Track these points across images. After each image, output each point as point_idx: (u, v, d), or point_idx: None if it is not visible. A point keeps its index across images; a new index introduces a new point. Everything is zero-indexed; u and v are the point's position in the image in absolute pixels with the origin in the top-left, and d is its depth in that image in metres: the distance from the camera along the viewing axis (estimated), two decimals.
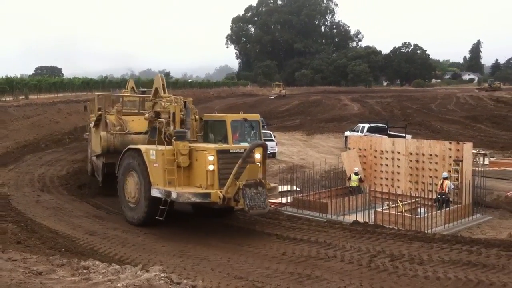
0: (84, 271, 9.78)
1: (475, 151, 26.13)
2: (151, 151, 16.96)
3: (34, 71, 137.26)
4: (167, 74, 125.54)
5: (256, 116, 18.69)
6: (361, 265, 13.21)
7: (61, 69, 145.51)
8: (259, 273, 12.57)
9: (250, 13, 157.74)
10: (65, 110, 46.19)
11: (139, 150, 17.57)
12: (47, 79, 70.63)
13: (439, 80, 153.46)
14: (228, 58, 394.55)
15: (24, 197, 21.67)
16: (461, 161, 20.60)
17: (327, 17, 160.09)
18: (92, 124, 23.45)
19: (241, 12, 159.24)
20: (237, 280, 12.03)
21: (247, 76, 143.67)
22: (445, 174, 20.16)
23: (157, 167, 16.70)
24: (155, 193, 16.59)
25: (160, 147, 17.02)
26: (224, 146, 16.48)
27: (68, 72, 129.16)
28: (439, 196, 19.77)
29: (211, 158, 15.83)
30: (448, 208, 19.47)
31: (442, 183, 19.83)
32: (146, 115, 19.56)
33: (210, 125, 18.34)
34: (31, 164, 29.55)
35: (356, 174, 22.38)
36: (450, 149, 21.05)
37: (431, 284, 11.76)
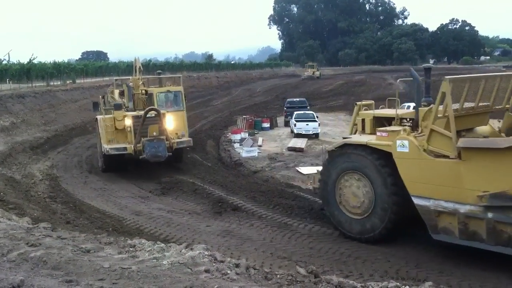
0: (131, 249, 9.98)
1: None
2: None
3: (81, 55, 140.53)
4: (210, 56, 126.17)
5: None
6: (405, 245, 13.05)
7: (106, 53, 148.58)
8: (302, 253, 12.58)
9: None
10: None
11: None
12: (93, 63, 72.11)
13: (488, 57, 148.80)
14: (271, 39, 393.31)
15: (72, 178, 22.22)
16: None
17: None
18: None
19: None
20: (280, 259, 12.07)
21: (289, 56, 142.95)
22: None
23: None
24: None
25: None
26: None
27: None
28: None
29: None
30: None
31: None
32: None
33: None
34: (79, 146, 30.25)
35: None
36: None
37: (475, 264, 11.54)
